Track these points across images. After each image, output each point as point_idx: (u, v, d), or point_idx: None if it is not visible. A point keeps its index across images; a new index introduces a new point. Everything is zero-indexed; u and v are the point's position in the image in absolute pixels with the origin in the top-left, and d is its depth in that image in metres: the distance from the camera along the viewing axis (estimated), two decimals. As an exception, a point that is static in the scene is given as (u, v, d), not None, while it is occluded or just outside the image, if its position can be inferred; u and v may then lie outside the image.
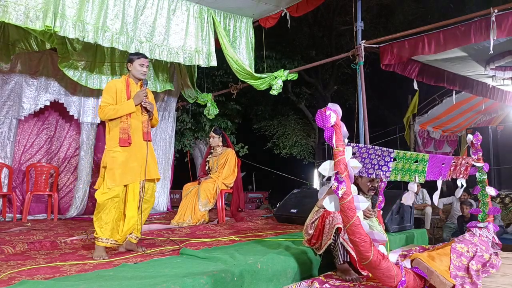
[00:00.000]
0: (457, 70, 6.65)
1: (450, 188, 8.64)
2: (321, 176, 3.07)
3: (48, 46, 5.56)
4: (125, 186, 3.19)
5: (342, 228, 2.71)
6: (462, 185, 3.71)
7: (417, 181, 3.07)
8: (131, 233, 3.28)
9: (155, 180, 3.42)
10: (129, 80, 3.33)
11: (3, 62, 5.58)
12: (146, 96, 3.26)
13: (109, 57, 6.11)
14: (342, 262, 2.73)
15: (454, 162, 3.47)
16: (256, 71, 6.18)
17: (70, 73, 5.75)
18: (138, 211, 3.26)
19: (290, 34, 10.78)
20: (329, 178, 2.23)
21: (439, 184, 3.35)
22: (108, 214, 3.09)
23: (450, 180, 3.53)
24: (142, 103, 3.25)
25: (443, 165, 3.32)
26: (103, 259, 2.92)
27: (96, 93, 6.28)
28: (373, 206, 3.47)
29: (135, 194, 3.23)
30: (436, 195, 3.39)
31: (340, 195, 2.15)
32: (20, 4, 4.06)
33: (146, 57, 3.37)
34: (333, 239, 2.78)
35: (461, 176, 3.68)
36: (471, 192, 5.58)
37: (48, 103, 6.16)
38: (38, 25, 4.15)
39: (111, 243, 3.11)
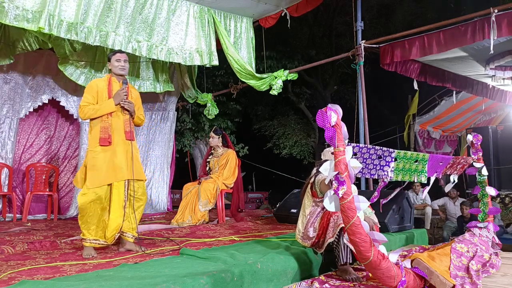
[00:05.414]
0: (457, 70, 6.65)
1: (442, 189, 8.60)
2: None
3: (50, 45, 5.55)
4: (109, 185, 3.13)
5: None
6: (454, 181, 3.72)
7: (416, 180, 3.08)
8: (126, 233, 3.24)
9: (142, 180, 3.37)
10: (111, 79, 3.30)
11: (4, 61, 5.59)
12: (126, 95, 3.21)
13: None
14: (344, 263, 2.72)
15: (452, 161, 3.48)
16: (256, 71, 6.18)
17: (69, 73, 5.75)
18: (128, 210, 3.22)
19: (290, 34, 10.78)
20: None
21: (432, 180, 3.37)
22: (92, 216, 3.06)
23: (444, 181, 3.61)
24: (121, 102, 3.19)
25: (441, 164, 3.34)
26: (92, 256, 2.91)
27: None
28: None
29: (120, 193, 3.16)
30: (426, 190, 3.55)
31: (340, 195, 2.15)
32: (18, 6, 4.05)
33: (122, 52, 3.33)
34: (335, 238, 2.76)
35: (455, 172, 3.70)
36: (471, 192, 5.58)
37: (46, 101, 6.17)
38: (34, 26, 4.15)
39: (98, 244, 3.09)
